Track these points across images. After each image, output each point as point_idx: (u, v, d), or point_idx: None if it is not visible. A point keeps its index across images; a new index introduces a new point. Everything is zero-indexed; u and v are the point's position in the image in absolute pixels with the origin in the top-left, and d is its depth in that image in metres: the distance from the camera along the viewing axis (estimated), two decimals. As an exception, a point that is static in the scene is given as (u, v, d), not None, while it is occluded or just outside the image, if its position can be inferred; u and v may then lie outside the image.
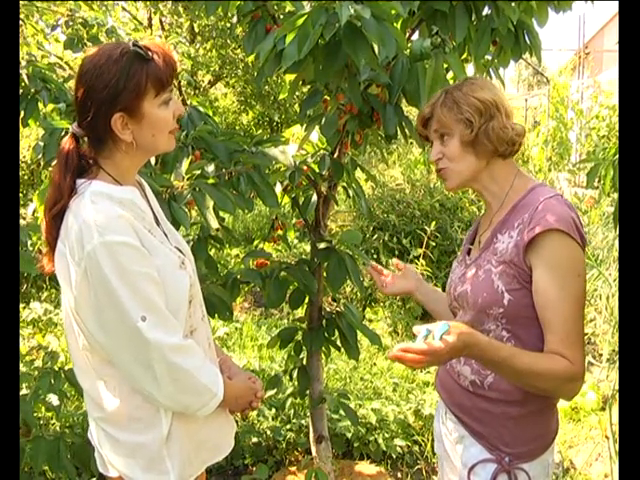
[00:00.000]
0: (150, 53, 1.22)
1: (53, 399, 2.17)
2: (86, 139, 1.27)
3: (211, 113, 2.17)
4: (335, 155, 2.14)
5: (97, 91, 1.19)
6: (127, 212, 1.21)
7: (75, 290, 1.19)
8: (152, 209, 1.36)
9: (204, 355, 1.32)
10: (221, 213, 1.96)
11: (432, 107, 1.42)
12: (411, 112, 5.04)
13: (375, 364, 3.86)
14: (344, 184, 2.33)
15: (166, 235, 1.35)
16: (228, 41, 9.16)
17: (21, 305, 3.95)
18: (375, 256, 5.33)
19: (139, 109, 1.22)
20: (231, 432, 1.49)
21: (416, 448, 2.99)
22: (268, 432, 2.99)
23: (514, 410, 1.35)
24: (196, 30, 9.35)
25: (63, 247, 1.21)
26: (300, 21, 1.53)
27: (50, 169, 1.50)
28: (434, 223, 5.16)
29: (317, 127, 2.02)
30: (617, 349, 3.82)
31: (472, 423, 1.41)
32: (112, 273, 1.15)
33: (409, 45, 1.81)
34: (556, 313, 1.25)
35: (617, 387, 2.88)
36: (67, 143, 1.26)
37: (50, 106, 2.27)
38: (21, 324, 3.82)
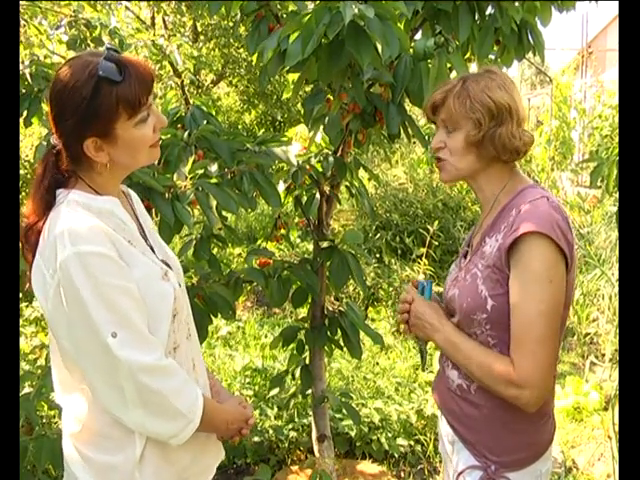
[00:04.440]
0: (122, 72, 1.13)
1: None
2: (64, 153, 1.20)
3: (214, 112, 2.18)
4: (338, 154, 2.14)
5: (65, 117, 1.14)
6: (105, 222, 1.15)
7: (49, 304, 1.12)
8: (139, 220, 1.30)
9: (186, 377, 1.21)
10: (224, 212, 1.96)
11: (445, 94, 1.35)
12: (414, 111, 5.05)
13: (377, 363, 3.85)
14: (347, 183, 2.33)
15: (152, 248, 1.28)
16: (231, 40, 9.16)
17: (24, 304, 3.95)
18: (378, 255, 5.34)
19: (112, 132, 1.15)
20: (217, 459, 1.39)
21: (418, 448, 2.99)
22: (270, 431, 2.99)
23: (499, 417, 1.32)
24: (199, 29, 9.35)
25: (40, 260, 1.14)
26: (304, 20, 1.53)
27: None
28: (437, 222, 5.16)
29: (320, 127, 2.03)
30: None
31: (460, 428, 1.39)
32: (83, 285, 1.08)
33: (412, 44, 1.82)
34: (513, 315, 1.24)
35: (619, 387, 2.87)
36: (46, 157, 1.20)
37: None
38: (24, 322, 3.82)
